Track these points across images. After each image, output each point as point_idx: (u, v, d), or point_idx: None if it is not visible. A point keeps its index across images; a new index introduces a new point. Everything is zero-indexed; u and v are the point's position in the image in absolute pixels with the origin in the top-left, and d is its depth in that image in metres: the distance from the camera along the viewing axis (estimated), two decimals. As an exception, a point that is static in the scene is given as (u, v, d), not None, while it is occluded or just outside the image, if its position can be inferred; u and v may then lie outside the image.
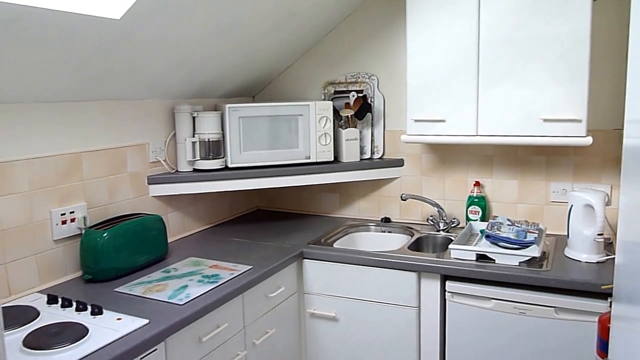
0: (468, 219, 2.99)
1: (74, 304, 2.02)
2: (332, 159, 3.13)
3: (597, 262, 2.39)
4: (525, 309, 2.33)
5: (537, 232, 2.54)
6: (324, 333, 2.78)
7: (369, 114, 3.22)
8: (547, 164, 2.87)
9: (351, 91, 3.27)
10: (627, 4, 1.52)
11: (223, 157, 2.96)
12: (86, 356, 1.65)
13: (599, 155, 2.75)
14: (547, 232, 2.79)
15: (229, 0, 2.32)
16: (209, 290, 2.19)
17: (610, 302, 1.84)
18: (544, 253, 2.52)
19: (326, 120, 3.06)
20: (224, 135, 2.94)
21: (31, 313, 1.96)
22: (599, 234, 2.37)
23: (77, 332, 1.78)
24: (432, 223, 3.07)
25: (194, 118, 2.91)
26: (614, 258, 2.09)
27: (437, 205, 3.04)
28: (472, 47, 2.61)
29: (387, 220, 3.27)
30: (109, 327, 1.84)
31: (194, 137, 2.91)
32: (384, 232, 3.20)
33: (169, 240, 2.82)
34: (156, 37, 2.29)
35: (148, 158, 2.80)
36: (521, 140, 2.58)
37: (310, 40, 3.26)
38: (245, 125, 2.94)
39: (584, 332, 2.22)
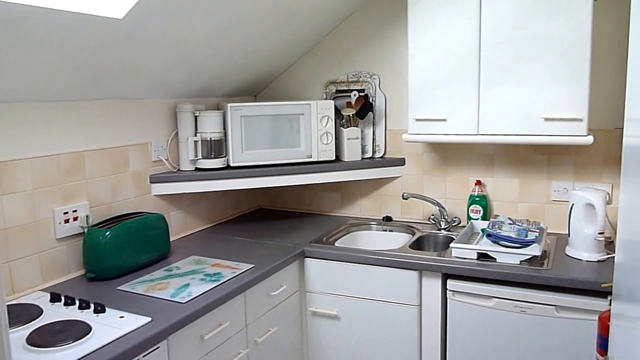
0: (469, 218, 3.00)
1: (77, 302, 2.03)
2: (334, 158, 3.13)
3: (598, 261, 2.40)
4: (526, 307, 2.33)
5: (538, 231, 2.54)
6: (326, 331, 2.79)
7: (370, 113, 3.22)
8: (548, 163, 2.88)
9: (353, 90, 3.28)
10: (628, 3, 1.52)
11: (225, 156, 2.97)
12: (89, 354, 1.66)
13: (600, 155, 2.76)
14: (548, 231, 2.80)
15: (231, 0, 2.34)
16: (211, 289, 2.20)
17: (610, 300, 1.84)
18: (544, 252, 2.53)
19: (328, 119, 3.07)
20: (225, 134, 2.95)
21: (34, 311, 1.97)
22: (599, 233, 2.38)
23: (80, 330, 1.79)
24: (433, 222, 3.08)
25: (196, 117, 2.92)
26: (614, 257, 2.09)
27: (438, 204, 3.05)
28: (473, 47, 2.62)
29: (388, 219, 3.28)
30: (112, 325, 1.85)
31: (196, 136, 2.92)
32: (386, 231, 3.20)
33: (171, 239, 2.83)
34: (158, 37, 2.30)
35: (150, 157, 2.81)
36: (522, 139, 2.58)
37: (311, 40, 3.27)
38: (247, 124, 2.94)
39: (584, 330, 2.23)
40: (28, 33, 1.83)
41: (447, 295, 2.51)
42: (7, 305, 1.96)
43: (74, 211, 2.38)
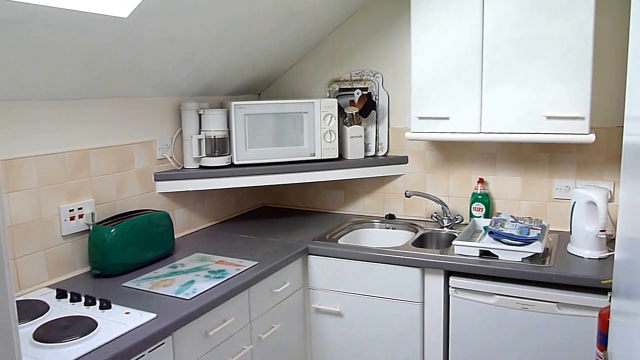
0: (472, 216, 3.01)
1: (83, 298, 2.05)
2: (337, 156, 3.15)
3: (599, 258, 2.41)
4: (528, 304, 2.35)
5: (540, 228, 2.56)
6: (329, 328, 2.81)
7: (373, 111, 3.24)
8: (551, 161, 2.89)
9: (356, 89, 3.29)
10: (629, 1, 1.54)
11: (229, 154, 2.99)
12: (95, 349, 1.68)
13: (602, 153, 2.77)
14: (550, 229, 2.81)
15: (235, -1, 2.35)
16: (216, 286, 2.22)
17: (610, 296, 1.86)
18: (546, 249, 2.54)
19: (331, 117, 3.08)
20: (229, 133, 2.97)
21: (41, 307, 1.99)
22: (601, 231, 2.39)
23: (86, 326, 1.81)
24: (436, 220, 3.09)
25: (200, 115, 2.94)
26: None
27: (441, 202, 3.07)
28: (475, 45, 2.63)
29: (391, 216, 3.30)
30: (118, 321, 1.87)
31: (200, 134, 2.94)
32: (388, 228, 3.22)
33: (176, 237, 2.85)
34: (163, 35, 2.31)
35: (155, 155, 2.83)
36: (524, 137, 2.60)
37: (315, 38, 3.29)
38: (250, 122, 2.96)
39: (585, 327, 2.24)
40: (33, 32, 1.85)
41: (450, 292, 2.53)
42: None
43: (79, 208, 2.40)
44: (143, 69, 2.48)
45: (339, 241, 2.92)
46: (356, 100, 3.26)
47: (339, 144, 3.15)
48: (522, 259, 2.42)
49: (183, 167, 2.99)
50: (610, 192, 2.49)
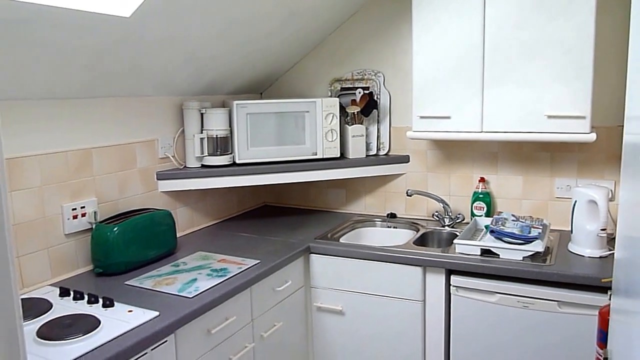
0: (473, 215, 3.02)
1: (86, 296, 2.06)
2: (339, 155, 3.15)
3: (600, 257, 2.42)
4: (529, 302, 2.36)
5: (541, 227, 2.56)
6: (331, 326, 2.82)
7: (375, 110, 3.24)
8: (552, 160, 2.90)
9: (357, 88, 3.30)
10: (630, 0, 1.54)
11: (231, 153, 3.00)
12: (98, 347, 1.70)
13: (603, 152, 2.77)
14: (551, 228, 2.81)
15: (237, -2, 2.36)
16: (218, 284, 2.23)
17: (610, 295, 1.87)
18: (547, 248, 2.55)
19: (333, 116, 3.09)
20: (231, 132, 2.98)
21: (44, 305, 2.00)
22: (602, 229, 2.40)
23: (89, 324, 1.82)
24: (437, 219, 3.10)
25: (202, 114, 2.95)
26: (616, 253, 2.11)
27: (442, 201, 3.07)
28: (477, 45, 2.63)
29: (392, 215, 3.30)
30: (121, 319, 1.88)
31: (202, 133, 2.95)
32: (390, 227, 3.23)
33: (178, 235, 2.85)
34: (165, 35, 2.32)
35: (157, 154, 2.84)
36: (526, 136, 2.60)
37: (316, 38, 3.29)
38: (252, 121, 2.97)
39: (586, 325, 2.25)
40: (36, 32, 1.86)
41: (451, 291, 2.53)
42: (18, 300, 1.99)
43: (82, 207, 2.41)
44: (145, 68, 2.49)
45: (341, 240, 2.93)
46: (358, 100, 3.26)
47: (340, 143, 3.16)
48: (523, 257, 2.43)
49: (185, 166, 3.00)
50: (611, 191, 2.50)
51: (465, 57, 2.67)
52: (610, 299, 1.71)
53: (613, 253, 2.40)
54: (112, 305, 1.99)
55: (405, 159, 3.26)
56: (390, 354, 2.70)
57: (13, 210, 2.14)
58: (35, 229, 2.23)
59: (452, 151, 3.13)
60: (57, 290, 2.14)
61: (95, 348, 1.69)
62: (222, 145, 2.96)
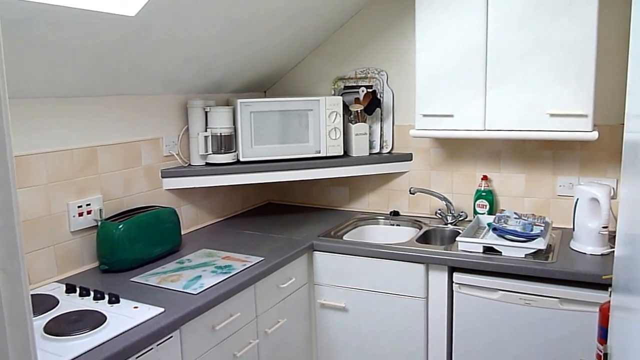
0: (476, 213, 3.03)
1: (92, 292, 2.08)
2: (342, 153, 3.17)
3: (602, 255, 2.43)
4: (531, 300, 2.37)
5: (543, 225, 2.58)
6: (334, 323, 2.83)
7: (378, 109, 3.26)
8: (554, 158, 2.91)
9: (361, 86, 3.31)
10: None
11: (235, 151, 3.01)
12: (105, 342, 1.72)
13: (605, 150, 2.79)
14: (553, 226, 2.82)
15: (241, -3, 2.38)
16: (222, 281, 2.25)
17: (610, 292, 1.88)
18: (549, 246, 2.56)
19: (336, 115, 3.10)
20: (235, 130, 3.00)
21: (51, 301, 2.02)
22: (603, 227, 2.41)
23: (95, 320, 1.84)
24: (440, 216, 3.11)
25: (206, 113, 2.97)
26: (617, 250, 2.12)
27: (445, 199, 3.09)
28: (480, 44, 2.64)
29: (395, 213, 3.32)
30: (126, 315, 1.90)
31: (206, 131, 2.96)
32: (393, 225, 3.24)
33: (183, 233, 2.87)
34: (169, 34, 2.34)
35: (162, 152, 2.86)
36: (528, 134, 2.61)
37: (320, 37, 3.31)
38: (256, 119, 2.99)
39: (587, 322, 2.26)
40: (42, 31, 1.87)
41: (454, 288, 2.55)
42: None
43: (87, 205, 2.43)
44: (150, 66, 2.51)
45: (344, 237, 2.95)
46: (361, 98, 3.28)
47: (343, 141, 3.18)
48: (525, 255, 2.44)
49: (189, 164, 3.02)
50: (613, 189, 2.51)
51: (468, 56, 2.68)
52: (610, 296, 1.73)
53: (614, 250, 2.41)
54: (118, 302, 2.01)
55: (408, 157, 3.27)
56: (393, 350, 2.72)
57: (19, 207, 2.16)
58: (41, 226, 2.25)
59: (455, 149, 3.15)
60: (64, 287, 2.16)
61: (102, 343, 1.71)
62: (226, 143, 2.98)
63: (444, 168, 3.19)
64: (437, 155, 3.20)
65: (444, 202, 3.10)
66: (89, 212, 2.44)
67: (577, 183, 2.82)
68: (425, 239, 2.94)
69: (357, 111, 3.21)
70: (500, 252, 2.49)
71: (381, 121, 3.29)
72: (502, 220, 2.61)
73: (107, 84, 2.43)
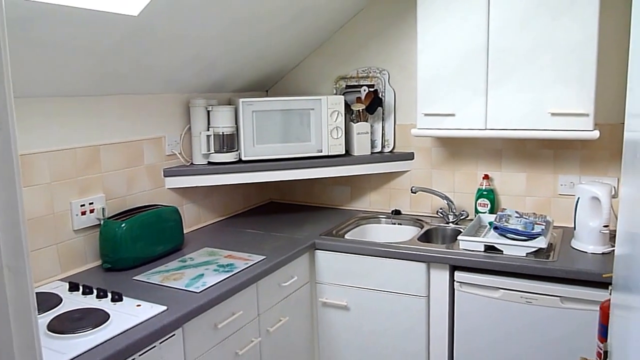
0: (477, 212, 3.04)
1: (95, 291, 2.09)
2: (344, 152, 3.18)
3: (603, 253, 2.44)
4: (532, 298, 2.38)
5: (544, 224, 2.58)
6: (336, 321, 2.84)
7: (379, 108, 3.26)
8: (555, 157, 2.91)
9: (362, 86, 3.32)
10: None
11: (237, 150, 3.02)
12: (108, 340, 1.73)
13: (606, 149, 2.79)
14: (554, 224, 2.83)
15: (243, -3, 2.39)
16: (225, 279, 2.26)
17: (611, 290, 1.89)
18: (550, 244, 2.57)
19: (338, 114, 3.11)
20: (237, 129, 3.01)
21: (54, 299, 2.04)
22: (604, 226, 2.42)
23: (98, 318, 1.85)
24: (441, 215, 3.12)
25: (208, 112, 2.98)
26: (618, 249, 2.13)
27: (446, 198, 3.09)
28: (481, 43, 2.65)
29: (397, 212, 3.33)
30: (129, 313, 1.91)
31: (208, 130, 2.97)
32: (395, 224, 3.25)
33: (185, 231, 2.88)
34: (172, 33, 2.35)
35: (164, 151, 2.87)
36: (529, 134, 2.62)
37: (322, 36, 3.31)
38: (258, 119, 3.00)
39: (588, 320, 2.27)
40: (45, 30, 1.88)
41: (455, 287, 2.56)
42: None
43: (90, 203, 2.44)
44: (152, 66, 2.52)
45: (346, 236, 2.95)
46: (363, 97, 3.29)
47: (345, 140, 3.19)
48: (527, 253, 2.45)
49: (192, 163, 3.03)
50: (614, 187, 2.52)
51: (469, 55, 2.69)
52: (610, 294, 1.73)
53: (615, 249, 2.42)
54: (121, 300, 2.02)
55: (409, 156, 3.28)
56: (394, 348, 2.73)
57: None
58: (44, 225, 2.26)
59: (456, 148, 3.15)
60: (67, 285, 2.18)
61: (105, 341, 1.72)
62: (228, 142, 2.99)
63: (446, 167, 3.20)
64: (439, 155, 3.20)
65: (445, 201, 3.10)
66: (91, 211, 2.45)
67: (578, 182, 2.83)
68: (426, 237, 2.94)
69: (358, 110, 3.22)
70: (502, 251, 2.50)
71: (383, 120, 3.30)
72: (504, 219, 2.61)
73: (109, 83, 2.44)
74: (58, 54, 2.04)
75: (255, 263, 2.46)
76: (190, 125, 2.99)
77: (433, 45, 2.77)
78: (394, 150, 3.32)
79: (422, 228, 3.04)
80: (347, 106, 3.24)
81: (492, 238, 2.56)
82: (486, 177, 3.04)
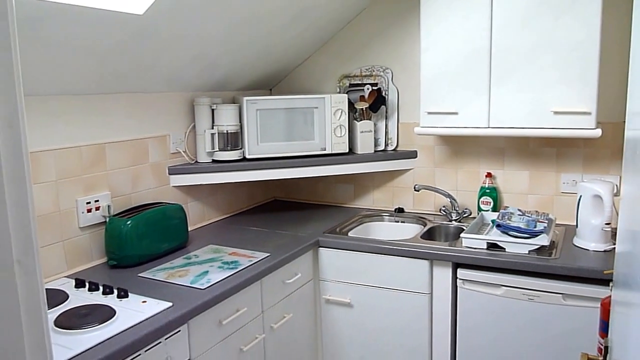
0: (480, 210, 3.05)
1: (101, 287, 2.11)
2: (347, 150, 3.19)
3: (604, 251, 2.45)
4: (534, 295, 2.39)
5: (546, 221, 2.60)
6: (339, 318, 2.86)
7: (383, 106, 3.28)
8: (558, 155, 2.92)
9: (366, 84, 3.33)
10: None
11: (241, 149, 3.04)
12: (114, 336, 1.75)
13: (608, 147, 2.80)
14: (556, 222, 2.84)
15: (248, -4, 2.40)
16: (229, 276, 2.28)
17: (611, 286, 1.90)
18: (553, 242, 2.58)
19: (341, 112, 3.13)
20: (242, 127, 3.02)
21: (61, 296, 2.06)
22: (606, 224, 2.43)
23: (105, 314, 1.87)
24: (444, 213, 3.13)
25: (212, 110, 3.00)
26: (619, 246, 2.14)
27: (449, 196, 3.11)
28: (484, 42, 2.66)
29: (400, 210, 3.34)
30: (135, 309, 1.93)
31: (212, 128, 2.99)
32: (398, 222, 3.26)
33: (189, 229, 2.90)
34: (177, 32, 2.37)
35: (169, 149, 2.89)
36: (532, 132, 2.63)
37: (325, 34, 3.33)
38: (262, 117, 3.01)
39: (590, 317, 2.29)
40: (52, 29, 1.90)
41: (458, 284, 2.57)
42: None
43: (96, 201, 2.47)
44: (157, 64, 2.54)
45: (349, 234, 2.97)
46: (366, 96, 3.30)
47: (349, 138, 3.20)
48: (529, 251, 2.46)
49: (196, 161, 3.04)
50: (616, 185, 2.53)
51: (472, 54, 2.70)
52: (611, 291, 1.75)
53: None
54: (127, 296, 2.04)
55: (412, 155, 3.29)
56: (397, 345, 2.74)
57: (30, 203, 2.19)
58: (51, 222, 2.29)
59: (459, 147, 3.16)
60: (73, 282, 2.20)
61: (112, 337, 1.74)
62: (233, 140, 3.00)
63: (449, 165, 3.21)
64: (442, 153, 3.22)
65: (448, 199, 3.12)
66: (97, 209, 2.47)
67: (581, 180, 2.84)
68: (429, 235, 2.96)
69: (362, 109, 3.23)
70: (504, 249, 2.51)
71: (386, 119, 3.31)
72: (506, 217, 2.63)
73: (115, 81, 2.46)
74: (65, 53, 2.06)
75: (260, 260, 2.48)
76: (195, 123, 3.01)
77: (436, 44, 2.79)
78: (397, 149, 3.34)
79: (425, 226, 3.05)
80: (351, 104, 3.25)
81: (495, 236, 2.58)
82: (489, 175, 3.05)
